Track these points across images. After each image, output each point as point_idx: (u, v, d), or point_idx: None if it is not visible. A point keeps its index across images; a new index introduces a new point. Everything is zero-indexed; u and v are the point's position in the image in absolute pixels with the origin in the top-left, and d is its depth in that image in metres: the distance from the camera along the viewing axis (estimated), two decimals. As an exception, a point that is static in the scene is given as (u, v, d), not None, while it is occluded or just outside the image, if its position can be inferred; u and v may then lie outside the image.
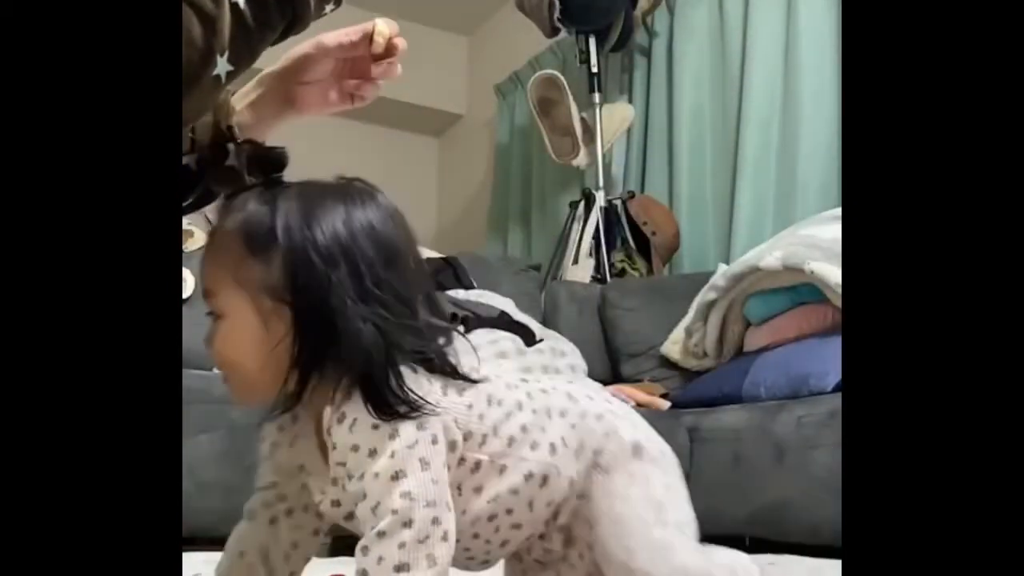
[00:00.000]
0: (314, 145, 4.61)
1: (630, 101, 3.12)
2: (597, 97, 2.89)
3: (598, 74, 2.91)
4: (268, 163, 0.74)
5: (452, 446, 0.71)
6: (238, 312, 0.69)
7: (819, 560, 1.36)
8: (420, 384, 0.70)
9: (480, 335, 1.97)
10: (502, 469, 0.73)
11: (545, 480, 0.75)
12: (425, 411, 0.68)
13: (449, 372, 0.72)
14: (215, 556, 0.90)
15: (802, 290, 1.90)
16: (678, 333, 2.25)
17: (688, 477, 1.90)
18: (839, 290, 1.73)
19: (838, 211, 2.00)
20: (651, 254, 2.73)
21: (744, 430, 1.72)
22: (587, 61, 2.92)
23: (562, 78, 2.91)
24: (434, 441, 0.68)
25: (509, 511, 0.74)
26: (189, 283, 2.21)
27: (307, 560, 0.81)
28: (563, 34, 3.04)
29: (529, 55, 3.60)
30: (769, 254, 1.90)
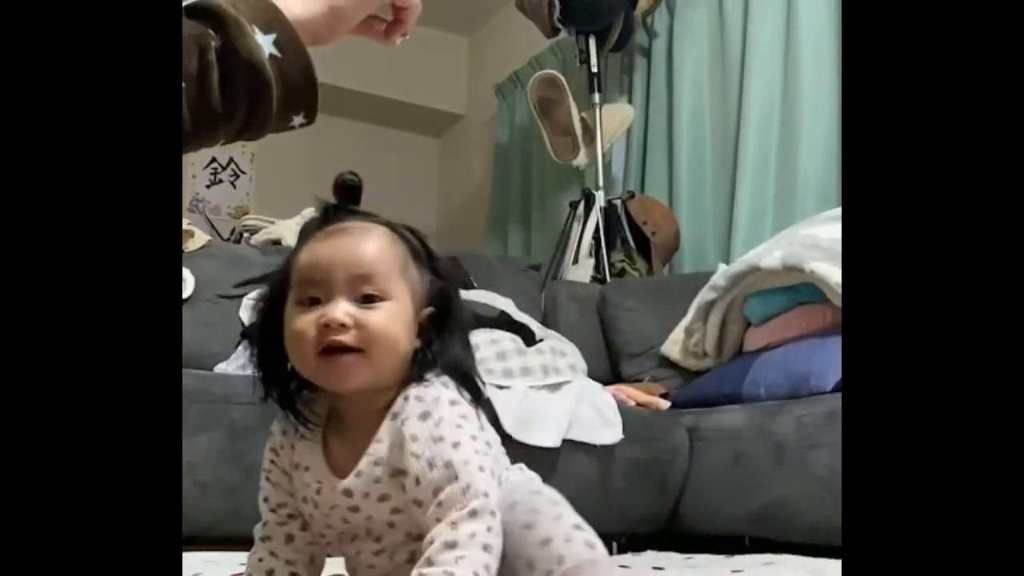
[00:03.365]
0: (315, 144, 4.62)
1: (630, 101, 3.12)
2: (597, 97, 2.90)
3: (598, 74, 2.91)
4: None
5: None
6: (403, 299, 0.78)
7: (819, 560, 1.36)
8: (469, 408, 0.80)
9: (480, 335, 1.97)
10: None
11: None
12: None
13: (476, 398, 0.81)
14: (215, 556, 0.90)
15: (802, 290, 1.90)
16: (678, 333, 2.25)
17: (688, 477, 1.92)
18: (839, 290, 1.73)
19: (838, 211, 2.00)
20: (651, 254, 2.73)
21: (744, 430, 1.72)
22: (587, 61, 2.93)
23: (562, 78, 2.91)
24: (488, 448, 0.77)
25: None
26: (189, 283, 2.21)
27: (322, 570, 0.85)
28: (563, 34, 3.05)
29: (529, 55, 3.60)
30: (769, 254, 1.90)
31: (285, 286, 0.79)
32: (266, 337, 0.80)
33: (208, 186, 4.10)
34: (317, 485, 0.80)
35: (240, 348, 2.12)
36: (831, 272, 1.75)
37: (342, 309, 0.75)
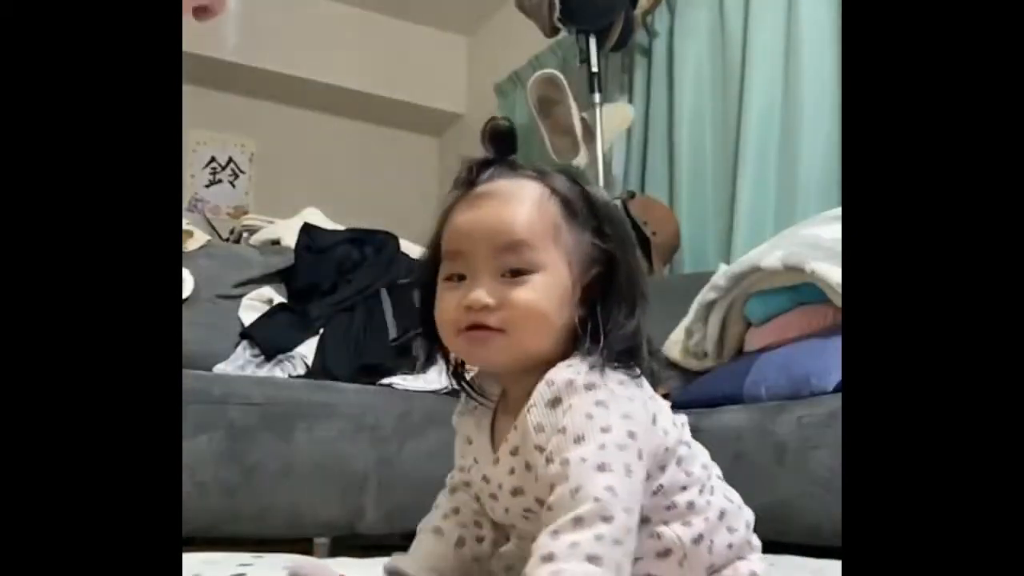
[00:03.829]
0: (314, 144, 4.59)
1: (630, 101, 3.12)
2: (597, 97, 2.89)
3: (598, 74, 2.91)
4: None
5: (661, 469, 0.73)
6: (556, 268, 0.72)
7: (821, 561, 1.36)
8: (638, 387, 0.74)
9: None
10: (686, 523, 0.76)
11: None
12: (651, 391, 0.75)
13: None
14: (215, 556, 0.90)
15: (803, 290, 1.89)
16: (678, 333, 2.25)
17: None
18: (840, 290, 1.73)
19: (839, 211, 2.00)
20: (651, 254, 2.73)
21: (745, 430, 1.71)
22: (587, 61, 2.92)
23: (562, 78, 2.91)
24: (640, 456, 0.67)
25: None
26: (188, 283, 2.21)
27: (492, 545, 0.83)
28: (563, 34, 3.04)
29: (529, 55, 3.60)
30: (770, 254, 1.90)
31: (438, 254, 0.75)
32: (426, 307, 0.76)
33: (207, 185, 4.10)
34: (473, 463, 0.78)
35: (239, 348, 2.12)
36: (832, 272, 1.74)
37: (484, 289, 0.70)
